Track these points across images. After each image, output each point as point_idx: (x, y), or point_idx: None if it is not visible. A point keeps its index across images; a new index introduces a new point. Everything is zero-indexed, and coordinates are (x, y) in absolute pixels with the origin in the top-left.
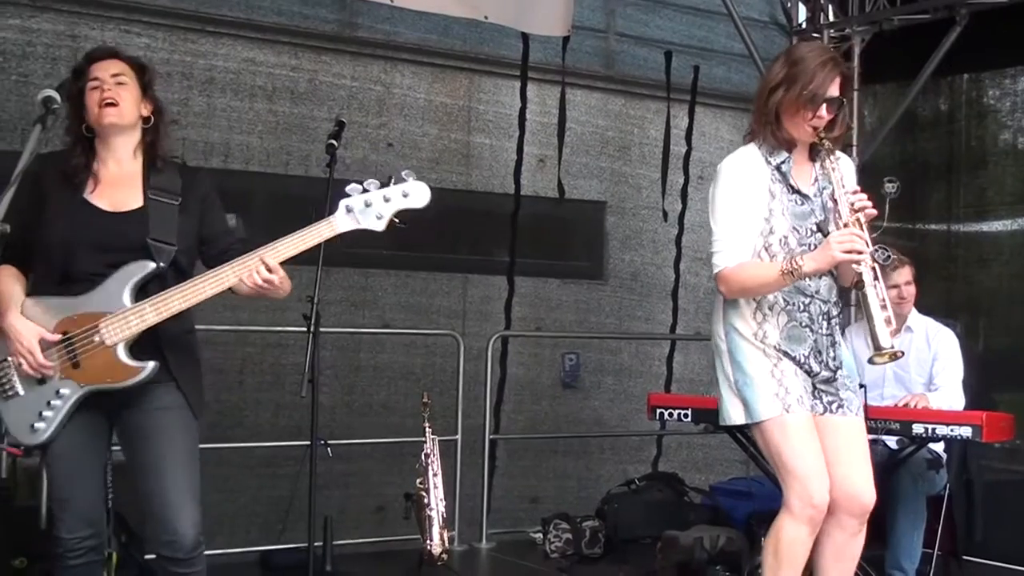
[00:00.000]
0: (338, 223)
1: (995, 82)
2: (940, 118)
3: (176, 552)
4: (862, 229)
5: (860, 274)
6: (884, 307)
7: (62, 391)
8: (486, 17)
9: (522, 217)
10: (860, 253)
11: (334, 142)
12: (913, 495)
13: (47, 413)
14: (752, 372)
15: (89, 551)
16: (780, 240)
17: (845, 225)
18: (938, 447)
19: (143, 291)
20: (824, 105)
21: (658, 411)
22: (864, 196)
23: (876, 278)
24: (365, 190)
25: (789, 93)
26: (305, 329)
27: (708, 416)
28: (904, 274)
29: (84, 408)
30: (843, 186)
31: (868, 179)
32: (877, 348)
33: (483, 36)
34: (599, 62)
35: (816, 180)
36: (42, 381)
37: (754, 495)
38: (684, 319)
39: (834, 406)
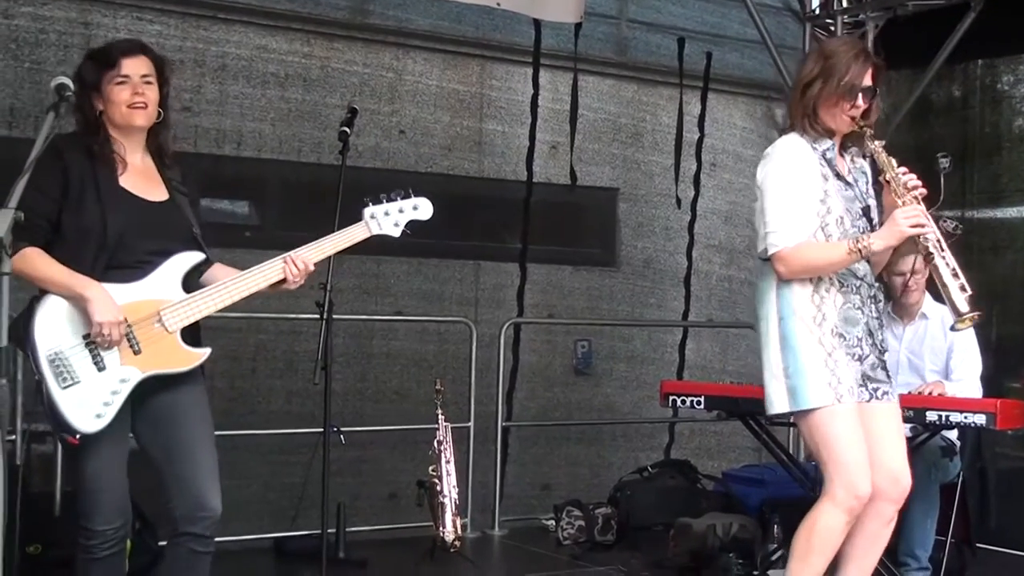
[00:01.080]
0: (370, 227)
1: (1009, 68)
2: (954, 104)
3: (207, 529)
4: (920, 204)
5: (927, 247)
6: (956, 275)
7: (125, 377)
8: (498, 4)
9: (534, 204)
10: (925, 227)
11: (347, 129)
12: (927, 483)
13: (111, 400)
14: (806, 359)
15: (119, 541)
16: (836, 220)
17: (904, 204)
18: (952, 434)
19: (187, 281)
20: (860, 95)
21: (671, 398)
22: (914, 176)
23: (943, 249)
24: (379, 202)
25: (827, 86)
26: (318, 316)
27: (720, 403)
28: (909, 262)
29: None
30: (893, 167)
31: None
32: (958, 314)
33: (495, 23)
34: (611, 48)
35: (850, 170)
36: (101, 368)
37: (767, 482)
38: (696, 306)
39: (879, 393)
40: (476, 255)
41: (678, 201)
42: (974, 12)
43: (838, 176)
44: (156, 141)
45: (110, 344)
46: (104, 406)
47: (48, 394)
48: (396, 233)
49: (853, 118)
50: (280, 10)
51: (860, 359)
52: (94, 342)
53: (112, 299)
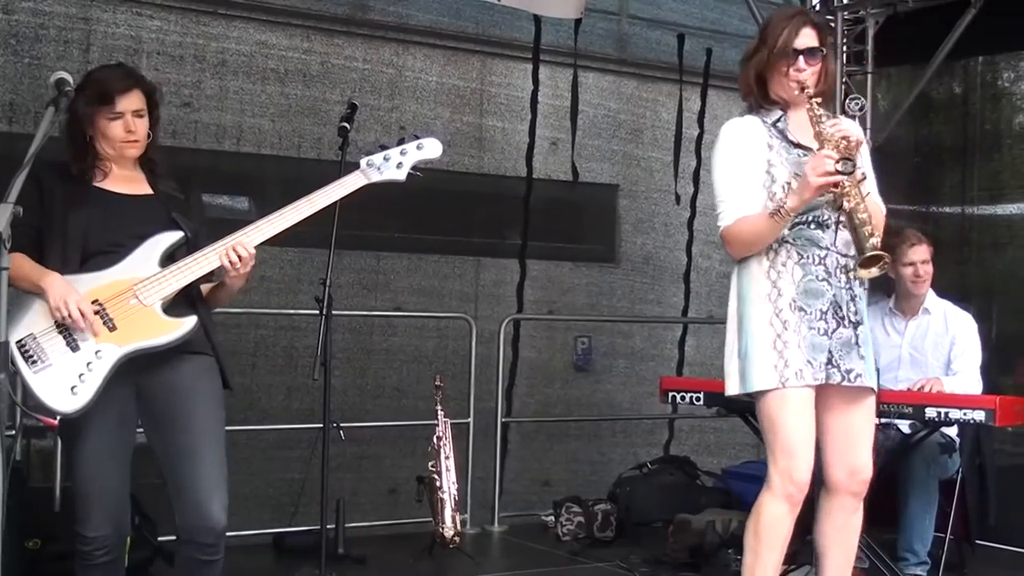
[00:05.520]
0: (368, 175)
1: (1010, 65)
2: (954, 101)
3: (207, 537)
4: (838, 151)
5: (837, 193)
6: (866, 223)
7: (101, 352)
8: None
9: (534, 200)
10: (832, 175)
11: (346, 125)
12: (925, 479)
13: (87, 375)
14: (755, 341)
15: (114, 548)
16: (783, 187)
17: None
18: (951, 431)
19: (170, 260)
20: (800, 57)
21: (670, 394)
22: (838, 122)
23: (860, 196)
24: (383, 147)
25: (762, 53)
26: (318, 312)
27: (720, 400)
28: (921, 252)
29: (115, 387)
30: (822, 120)
31: (882, 162)
32: (862, 253)
33: (495, 19)
34: (612, 45)
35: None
36: (75, 349)
37: None
38: (696, 302)
39: (852, 375)
40: (476, 251)
41: (677, 197)
42: (975, 9)
43: (794, 145)
44: (146, 157)
45: (78, 321)
46: (79, 379)
47: (22, 379)
48: (402, 176)
49: (800, 83)
50: (280, 6)
51: (827, 333)
52: (67, 327)
53: (66, 282)
